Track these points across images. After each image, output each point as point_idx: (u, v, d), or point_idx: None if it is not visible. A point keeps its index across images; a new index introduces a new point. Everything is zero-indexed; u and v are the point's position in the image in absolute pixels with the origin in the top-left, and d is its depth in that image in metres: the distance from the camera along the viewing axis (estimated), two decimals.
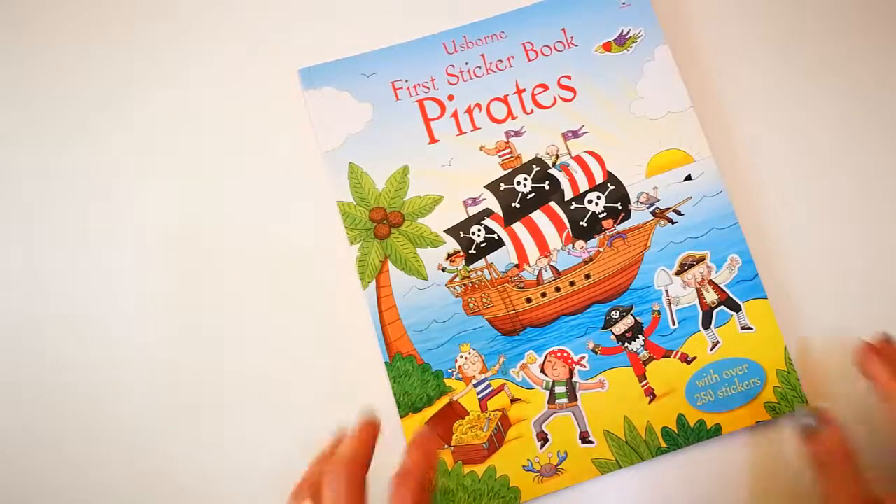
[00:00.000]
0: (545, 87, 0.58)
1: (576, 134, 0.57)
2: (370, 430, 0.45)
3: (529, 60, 0.58)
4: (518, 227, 0.56)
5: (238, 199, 0.58)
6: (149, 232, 0.58)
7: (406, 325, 0.54)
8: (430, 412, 0.53)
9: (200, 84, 0.61)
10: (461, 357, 0.54)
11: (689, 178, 0.56)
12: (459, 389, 0.54)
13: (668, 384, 0.54)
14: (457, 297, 0.55)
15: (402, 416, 0.53)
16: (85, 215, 0.58)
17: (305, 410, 0.54)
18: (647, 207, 0.56)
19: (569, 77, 0.58)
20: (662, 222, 0.55)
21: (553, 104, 0.58)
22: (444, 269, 0.56)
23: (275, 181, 0.59)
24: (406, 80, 0.58)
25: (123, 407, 0.55)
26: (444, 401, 0.54)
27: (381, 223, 0.56)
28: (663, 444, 0.53)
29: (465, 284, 0.55)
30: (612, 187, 0.56)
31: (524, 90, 0.58)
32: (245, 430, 0.55)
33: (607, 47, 0.58)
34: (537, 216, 0.57)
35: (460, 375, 0.54)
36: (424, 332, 0.54)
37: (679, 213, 0.55)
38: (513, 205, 0.57)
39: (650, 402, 0.53)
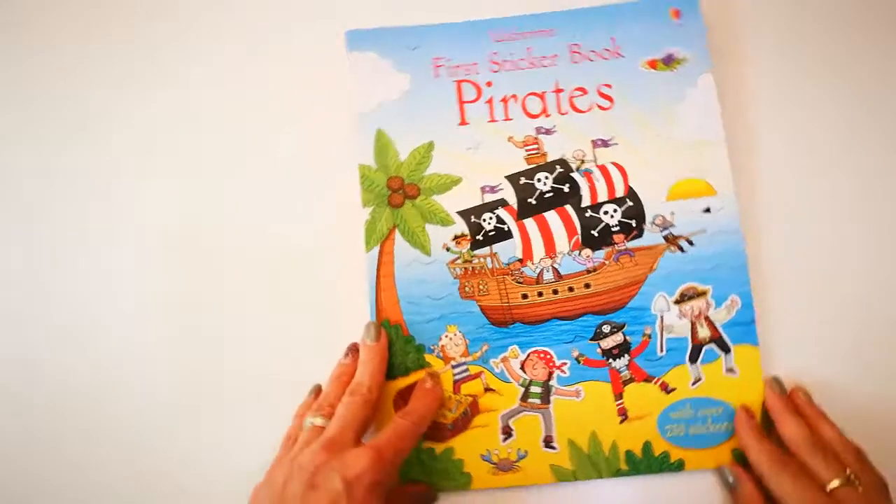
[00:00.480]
0: (584, 91, 0.58)
1: (605, 143, 0.57)
2: (382, 356, 0.53)
3: (573, 62, 0.58)
4: (529, 223, 0.56)
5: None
6: (149, 228, 0.59)
7: (400, 295, 0.55)
8: (404, 382, 0.54)
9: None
10: (446, 336, 0.55)
11: (707, 210, 0.55)
12: (438, 367, 0.54)
13: (643, 409, 0.53)
14: (455, 278, 0.56)
15: None
16: (90, 210, 0.59)
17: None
18: (661, 231, 0.55)
19: (609, 86, 0.58)
20: (672, 248, 0.55)
21: (589, 109, 0.57)
22: (448, 249, 0.56)
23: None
24: (448, 60, 0.59)
25: (123, 407, 0.56)
26: (420, 374, 0.54)
27: (397, 192, 0.57)
28: (624, 467, 0.53)
29: (465, 268, 0.56)
30: (631, 203, 0.56)
31: (563, 90, 0.58)
32: (245, 430, 0.55)
33: (653, 64, 0.58)
34: (550, 216, 0.57)
35: (441, 354, 0.55)
36: (416, 305, 0.55)
37: (690, 243, 0.55)
38: (529, 200, 0.57)
39: (621, 422, 0.53)
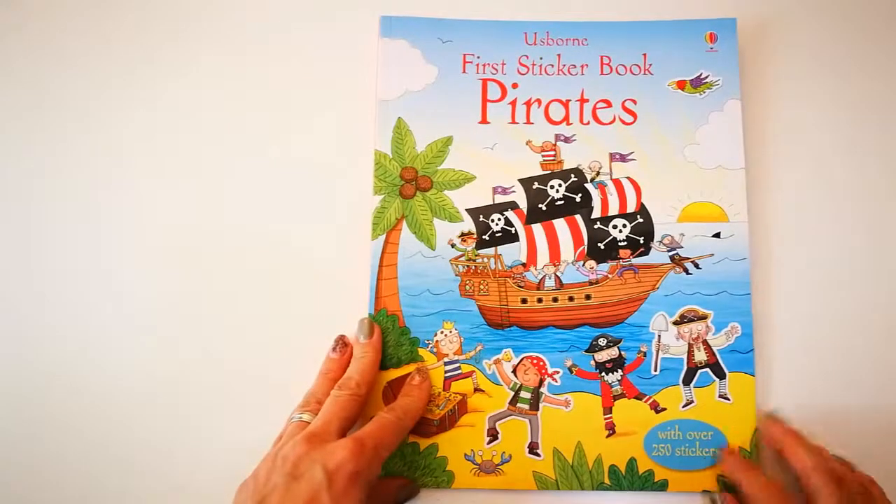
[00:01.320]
0: (608, 104, 0.58)
1: (623, 158, 0.57)
2: (375, 353, 0.53)
3: (602, 74, 0.58)
4: (537, 228, 0.56)
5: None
6: (152, 224, 0.58)
7: (400, 286, 0.55)
8: (395, 373, 0.54)
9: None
10: (441, 333, 0.55)
11: (717, 235, 0.55)
12: (430, 362, 0.54)
13: (631, 425, 0.53)
14: (457, 275, 0.55)
15: None
16: (93, 208, 0.58)
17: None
18: (668, 250, 0.55)
19: (634, 101, 0.57)
20: (678, 269, 0.55)
21: (611, 122, 0.57)
22: (453, 245, 0.56)
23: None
24: (478, 57, 0.58)
25: (124, 406, 0.55)
26: (410, 368, 0.54)
27: (410, 183, 0.56)
28: (606, 481, 0.53)
29: (468, 266, 0.56)
30: (641, 220, 0.56)
31: (587, 101, 0.58)
32: (245, 430, 0.54)
33: (681, 85, 0.57)
34: (559, 224, 0.56)
35: (435, 350, 0.54)
36: (415, 298, 0.55)
37: (697, 266, 0.55)
38: (539, 206, 0.56)
39: (608, 436, 0.53)
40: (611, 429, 0.53)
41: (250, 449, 0.49)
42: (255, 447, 0.48)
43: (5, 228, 0.58)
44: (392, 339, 0.54)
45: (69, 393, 0.55)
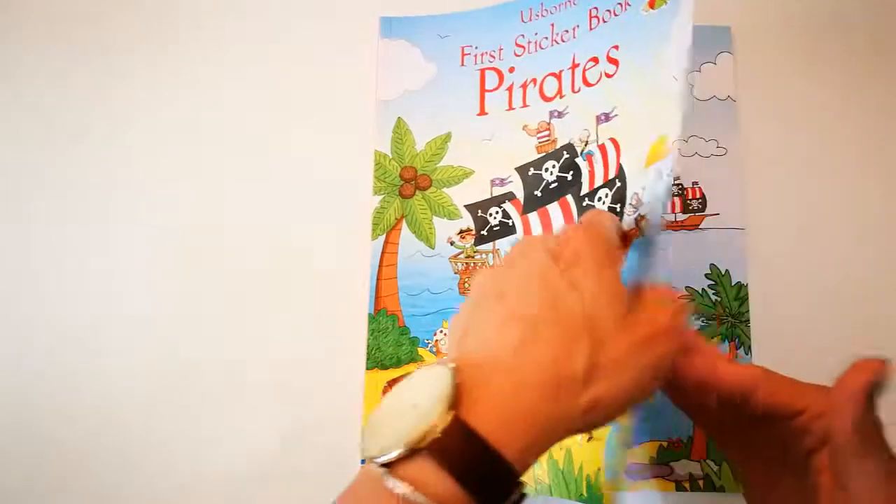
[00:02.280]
0: (595, 62, 0.51)
1: (607, 117, 0.49)
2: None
3: (591, 28, 0.52)
4: (533, 217, 0.53)
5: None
6: (154, 224, 0.58)
7: (400, 286, 0.56)
8: (395, 373, 0.55)
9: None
10: (441, 332, 0.54)
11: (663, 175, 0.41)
12: (430, 362, 0.54)
13: (604, 428, 0.44)
14: (456, 273, 0.54)
15: (367, 369, 0.55)
16: (100, 207, 0.59)
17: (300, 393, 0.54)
18: (634, 213, 0.45)
19: (616, 47, 0.50)
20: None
21: (598, 81, 0.51)
22: (452, 243, 0.55)
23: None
24: (476, 47, 0.58)
25: (123, 407, 0.55)
26: (411, 367, 0.54)
27: (409, 183, 0.57)
28: (584, 493, 0.44)
29: (467, 263, 0.54)
30: (619, 184, 0.47)
31: (578, 65, 0.52)
32: (245, 430, 0.54)
33: (651, 4, 0.47)
34: (553, 209, 0.52)
35: (435, 349, 0.54)
36: (415, 298, 0.55)
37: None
38: (535, 192, 0.53)
39: (588, 440, 0.45)
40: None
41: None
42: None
43: (5, 228, 0.59)
44: (392, 339, 0.55)
45: (69, 393, 0.56)
